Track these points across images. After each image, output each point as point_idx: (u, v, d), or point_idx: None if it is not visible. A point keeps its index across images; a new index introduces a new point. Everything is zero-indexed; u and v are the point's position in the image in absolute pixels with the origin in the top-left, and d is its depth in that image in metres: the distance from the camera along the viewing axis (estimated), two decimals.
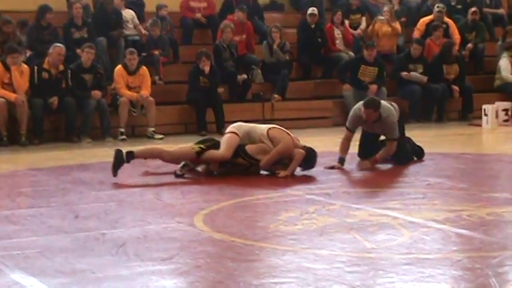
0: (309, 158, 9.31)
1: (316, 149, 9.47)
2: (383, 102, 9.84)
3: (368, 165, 9.71)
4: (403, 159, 9.96)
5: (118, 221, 6.99)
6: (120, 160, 9.09)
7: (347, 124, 9.92)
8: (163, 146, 9.68)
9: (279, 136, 9.27)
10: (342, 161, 9.70)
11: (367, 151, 10.00)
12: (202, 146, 9.30)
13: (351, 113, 9.94)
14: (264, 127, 9.47)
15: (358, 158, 10.12)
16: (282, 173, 9.13)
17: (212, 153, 9.28)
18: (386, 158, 9.83)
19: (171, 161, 9.45)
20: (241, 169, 9.28)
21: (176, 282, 5.13)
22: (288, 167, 9.19)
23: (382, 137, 9.97)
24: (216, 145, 9.33)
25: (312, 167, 9.41)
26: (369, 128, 9.91)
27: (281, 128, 9.52)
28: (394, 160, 9.93)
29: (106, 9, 15.31)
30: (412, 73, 15.66)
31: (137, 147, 9.56)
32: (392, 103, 10.14)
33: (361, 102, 9.77)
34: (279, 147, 9.17)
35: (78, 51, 13.72)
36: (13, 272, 5.32)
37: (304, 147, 9.33)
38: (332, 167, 9.64)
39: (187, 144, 9.59)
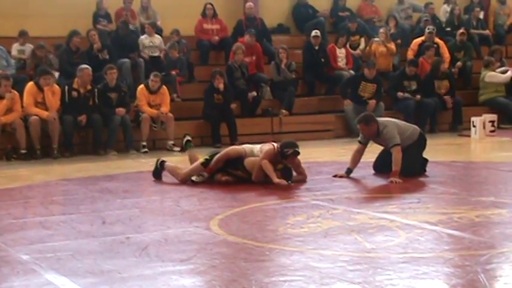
0: (283, 145, 9.23)
1: (319, 159, 9.43)
2: (384, 119, 9.76)
3: (397, 179, 9.20)
4: (410, 172, 9.48)
5: (141, 226, 7.01)
6: (161, 167, 9.71)
7: (359, 138, 9.72)
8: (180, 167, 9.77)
9: (264, 149, 9.28)
10: (349, 171, 9.57)
11: (380, 165, 9.76)
12: (207, 157, 9.40)
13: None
14: (260, 145, 9.49)
15: (371, 169, 9.88)
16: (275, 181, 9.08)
17: (217, 156, 9.39)
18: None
19: (183, 179, 9.50)
20: (245, 179, 9.31)
21: (194, 281, 5.14)
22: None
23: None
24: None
25: (290, 149, 9.14)
26: (377, 142, 9.69)
27: (273, 144, 9.40)
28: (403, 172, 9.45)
29: (121, 35, 15.36)
30: (406, 94, 15.62)
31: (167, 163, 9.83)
32: (413, 126, 9.99)
33: None
34: (259, 158, 9.20)
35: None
36: (47, 273, 5.34)
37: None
38: (337, 176, 9.55)
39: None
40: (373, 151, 9.88)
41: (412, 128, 9.83)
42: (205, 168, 9.40)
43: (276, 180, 8.99)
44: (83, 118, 13.08)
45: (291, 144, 9.26)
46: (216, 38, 16.43)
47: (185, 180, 9.45)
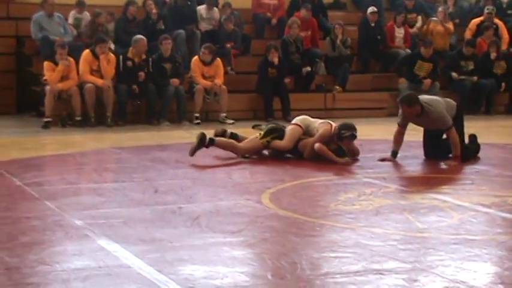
0: (342, 126, 9.12)
1: (372, 137, 9.35)
2: (424, 96, 9.43)
3: (457, 164, 8.98)
4: (464, 156, 9.20)
5: (193, 196, 7.05)
6: (202, 144, 9.13)
7: (398, 121, 9.34)
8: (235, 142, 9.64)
9: (321, 127, 9.18)
10: (394, 154, 9.27)
11: (431, 150, 9.43)
12: (268, 139, 9.30)
13: (401, 111, 9.38)
14: (319, 121, 9.38)
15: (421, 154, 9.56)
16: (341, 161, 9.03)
17: (276, 144, 9.29)
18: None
19: (242, 154, 9.47)
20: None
21: (245, 253, 5.15)
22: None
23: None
24: (281, 137, 9.30)
25: (349, 132, 9.05)
26: (417, 123, 9.36)
27: (330, 121, 9.35)
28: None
29: (178, 5, 15.36)
30: (461, 76, 15.42)
31: (218, 138, 9.54)
32: (447, 99, 9.57)
33: None
34: (314, 138, 9.12)
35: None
36: (99, 239, 5.40)
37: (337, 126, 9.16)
38: (384, 159, 9.23)
39: (253, 136, 9.54)
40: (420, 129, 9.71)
41: (451, 102, 9.50)
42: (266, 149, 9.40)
43: (341, 160, 8.95)
44: (135, 88, 13.17)
45: (349, 127, 9.11)
46: (274, 20, 16.32)
47: (243, 153, 9.46)
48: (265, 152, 9.52)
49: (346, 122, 9.36)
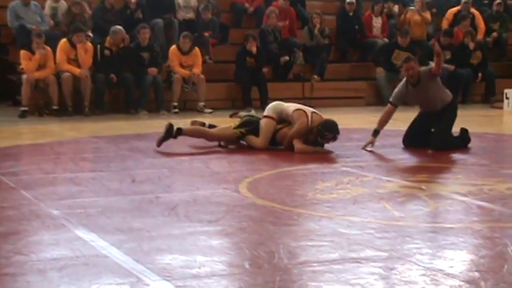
0: (325, 126, 8.99)
1: (350, 126, 9.35)
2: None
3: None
4: (441, 144, 9.22)
5: (170, 186, 7.04)
6: (169, 134, 9.08)
7: (391, 99, 9.41)
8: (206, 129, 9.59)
9: (297, 118, 9.05)
10: (376, 133, 9.24)
11: (413, 139, 9.42)
12: (242, 130, 9.24)
13: (396, 89, 9.47)
14: (292, 108, 9.22)
15: (399, 143, 9.56)
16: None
17: (252, 140, 9.22)
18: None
19: (214, 141, 9.43)
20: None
21: (222, 242, 5.14)
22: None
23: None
24: (255, 129, 9.22)
25: (331, 135, 8.98)
26: (413, 97, 9.38)
27: (305, 109, 9.18)
28: (432, 144, 9.28)
29: None
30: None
31: (185, 126, 9.52)
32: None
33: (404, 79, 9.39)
34: (291, 131, 9.05)
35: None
36: (76, 229, 5.37)
37: (320, 122, 9.02)
38: (366, 146, 9.21)
39: (228, 125, 9.52)
40: (405, 120, 9.76)
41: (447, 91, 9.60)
42: (238, 140, 9.36)
43: (320, 150, 8.99)
44: (113, 76, 13.11)
45: (332, 128, 8.95)
46: (251, 8, 16.28)
47: (214, 141, 9.42)
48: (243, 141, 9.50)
49: (329, 121, 9.04)
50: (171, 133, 9.09)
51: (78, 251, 4.79)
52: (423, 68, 9.49)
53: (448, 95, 9.46)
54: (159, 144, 9.07)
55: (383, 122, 9.35)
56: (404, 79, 9.40)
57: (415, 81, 9.27)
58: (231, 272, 4.51)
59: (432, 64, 9.52)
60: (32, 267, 4.49)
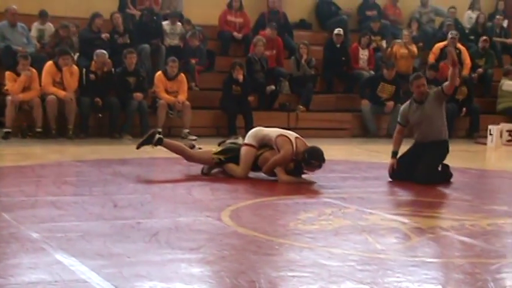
0: (311, 153, 8.91)
1: (334, 157, 9.35)
2: None
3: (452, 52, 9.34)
4: (425, 179, 9.21)
5: (152, 212, 7.01)
6: (150, 140, 9.19)
7: (398, 119, 9.67)
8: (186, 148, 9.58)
9: (281, 145, 8.97)
10: (394, 154, 9.47)
11: (399, 171, 9.39)
12: (221, 157, 9.19)
13: (400, 110, 9.73)
14: (275, 133, 9.15)
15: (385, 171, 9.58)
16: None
17: (232, 169, 9.17)
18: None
19: (191, 161, 9.42)
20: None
21: (203, 270, 5.12)
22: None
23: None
24: (236, 157, 9.15)
25: (318, 163, 8.88)
26: (415, 115, 9.41)
27: (289, 135, 9.11)
28: (416, 177, 9.27)
29: (144, 21, 15.35)
30: None
31: (167, 139, 9.54)
32: None
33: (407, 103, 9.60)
34: (276, 157, 8.95)
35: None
36: (56, 252, 5.34)
37: (306, 149, 8.95)
38: (390, 168, 9.37)
39: (208, 149, 9.50)
40: (389, 153, 9.78)
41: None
42: (217, 166, 9.33)
43: (305, 180, 9.00)
44: (98, 100, 13.11)
45: (318, 156, 8.86)
46: (239, 35, 16.39)
47: (192, 161, 9.40)
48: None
49: (315, 149, 8.94)
50: (151, 140, 9.18)
51: (57, 276, 4.76)
52: (434, 88, 9.56)
53: (446, 133, 9.52)
54: (138, 147, 9.26)
55: (396, 142, 9.59)
56: (411, 99, 9.56)
57: (422, 98, 9.41)
58: None
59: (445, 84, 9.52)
60: None
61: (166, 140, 9.38)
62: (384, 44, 17.40)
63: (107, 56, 13.56)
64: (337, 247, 5.87)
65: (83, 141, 12.65)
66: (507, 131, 14.90)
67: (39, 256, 5.24)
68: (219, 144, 10.01)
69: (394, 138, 9.66)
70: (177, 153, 9.42)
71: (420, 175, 9.24)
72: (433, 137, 9.37)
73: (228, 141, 9.62)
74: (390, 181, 9.41)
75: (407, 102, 9.62)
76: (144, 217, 6.72)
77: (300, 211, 7.32)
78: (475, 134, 15.88)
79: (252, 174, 9.20)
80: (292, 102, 15.38)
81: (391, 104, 15.15)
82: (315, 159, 8.87)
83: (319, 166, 8.93)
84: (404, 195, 8.88)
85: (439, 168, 9.55)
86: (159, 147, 9.30)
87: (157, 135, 9.21)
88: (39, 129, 12.83)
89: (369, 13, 18.29)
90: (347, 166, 9.90)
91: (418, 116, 9.46)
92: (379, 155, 9.66)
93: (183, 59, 14.71)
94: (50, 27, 14.58)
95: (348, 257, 5.55)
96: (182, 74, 13.99)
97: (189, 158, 9.38)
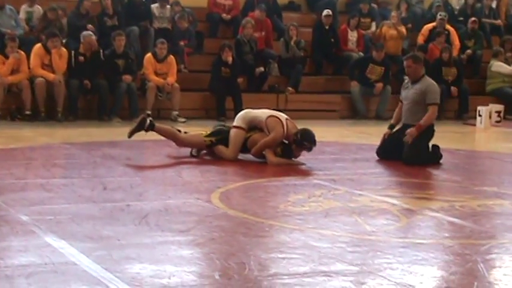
0: (304, 135, 8.95)
1: (323, 139, 9.34)
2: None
3: (413, 133, 9.24)
4: (412, 158, 9.28)
5: (142, 195, 7.00)
6: (141, 126, 9.17)
7: (400, 97, 9.93)
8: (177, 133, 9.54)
9: (272, 126, 8.97)
10: (392, 127, 9.74)
11: (385, 151, 9.55)
12: (213, 139, 9.20)
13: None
14: (265, 115, 9.16)
15: (372, 157, 9.64)
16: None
17: (221, 151, 9.15)
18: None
19: (183, 146, 9.40)
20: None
21: (193, 252, 5.12)
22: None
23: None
24: (226, 139, 9.15)
25: (310, 145, 8.94)
26: (407, 92, 9.58)
27: (280, 116, 9.12)
28: (404, 157, 9.32)
29: (133, 3, 15.29)
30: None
31: (159, 124, 9.52)
32: None
33: None
34: (267, 139, 8.95)
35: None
36: (46, 235, 5.33)
37: (299, 130, 8.98)
38: (384, 136, 9.63)
39: (198, 132, 9.51)
40: (379, 134, 9.82)
41: None
42: (208, 149, 9.30)
43: (295, 162, 8.98)
44: (87, 83, 13.06)
45: (310, 138, 8.90)
46: (228, 16, 16.33)
47: (183, 146, 9.39)
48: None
49: (307, 131, 8.98)
50: (143, 126, 9.18)
51: (47, 258, 4.75)
52: (430, 93, 9.52)
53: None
54: (130, 135, 9.22)
55: (396, 117, 9.87)
56: None
57: (412, 78, 9.64)
58: (201, 282, 4.49)
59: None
60: (0, 273, 4.44)
61: (158, 125, 9.36)
62: (373, 26, 17.34)
63: (93, 36, 13.47)
64: (327, 229, 5.88)
65: (72, 124, 12.60)
66: (496, 112, 14.90)
67: (29, 239, 5.23)
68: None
69: (395, 113, 9.94)
70: (168, 137, 9.41)
71: (405, 156, 9.27)
72: (417, 119, 9.37)
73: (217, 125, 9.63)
74: (379, 161, 9.42)
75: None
76: (134, 199, 6.71)
77: (290, 193, 7.33)
78: (464, 115, 15.87)
79: (241, 156, 9.19)
80: (281, 84, 15.34)
81: (380, 85, 15.13)
82: (307, 141, 8.88)
83: (310, 149, 8.94)
84: (394, 176, 8.89)
85: (430, 149, 9.57)
86: (150, 132, 9.27)
87: (148, 120, 9.18)
88: (28, 112, 12.76)
89: None
90: (336, 148, 9.90)
91: (406, 94, 9.68)
92: (369, 136, 9.67)
93: (171, 41, 14.65)
94: (38, 9, 14.49)
95: (338, 239, 5.55)
96: (171, 56, 13.93)
97: (181, 142, 9.37)
